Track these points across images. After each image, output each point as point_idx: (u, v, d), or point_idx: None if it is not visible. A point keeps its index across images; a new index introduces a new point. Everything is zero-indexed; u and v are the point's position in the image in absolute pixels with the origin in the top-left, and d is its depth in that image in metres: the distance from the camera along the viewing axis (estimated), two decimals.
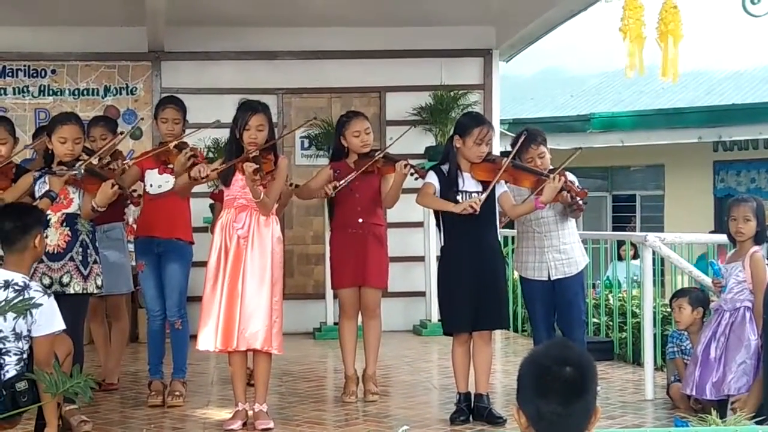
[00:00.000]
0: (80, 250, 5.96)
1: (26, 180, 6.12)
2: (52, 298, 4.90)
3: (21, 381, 4.72)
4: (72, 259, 5.89)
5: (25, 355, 4.80)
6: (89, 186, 6.01)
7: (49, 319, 4.83)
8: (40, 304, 4.77)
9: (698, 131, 14.61)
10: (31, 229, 5.07)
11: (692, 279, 7.27)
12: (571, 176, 6.46)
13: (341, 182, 6.55)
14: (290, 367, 7.95)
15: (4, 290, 4.79)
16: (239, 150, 5.99)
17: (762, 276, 5.95)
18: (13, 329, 4.74)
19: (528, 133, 6.59)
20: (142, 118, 9.92)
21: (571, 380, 2.60)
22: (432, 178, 6.23)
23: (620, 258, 10.63)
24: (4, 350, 4.78)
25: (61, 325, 4.90)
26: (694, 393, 6.16)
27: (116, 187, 5.93)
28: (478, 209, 5.91)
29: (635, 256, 10.35)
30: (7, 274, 4.86)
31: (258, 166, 5.76)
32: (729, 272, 6.17)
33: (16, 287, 4.80)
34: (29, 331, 4.78)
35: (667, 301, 7.24)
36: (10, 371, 4.75)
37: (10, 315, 4.70)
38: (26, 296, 4.76)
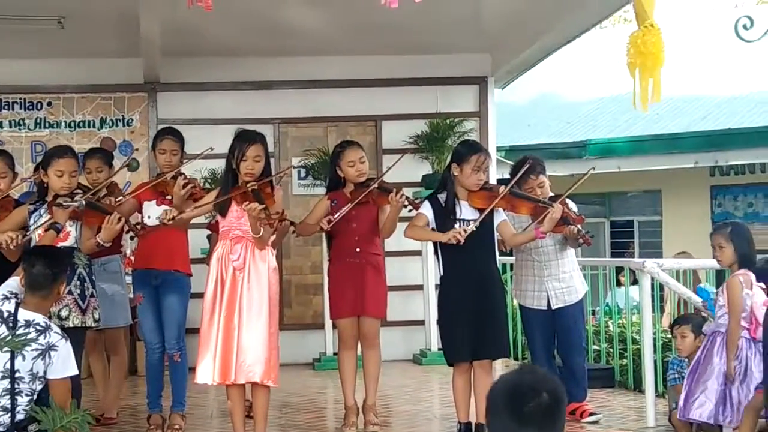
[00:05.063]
0: (78, 283, 5.94)
1: (21, 213, 6.09)
2: (69, 342, 4.89)
3: (33, 423, 4.68)
4: (70, 292, 5.86)
5: (35, 396, 4.77)
6: (89, 219, 5.99)
7: (64, 363, 4.83)
8: (56, 346, 4.75)
9: (695, 156, 14.61)
10: (60, 277, 5.09)
11: (692, 305, 7.24)
12: (572, 204, 6.44)
13: (336, 215, 6.52)
14: (290, 399, 7.90)
15: (25, 329, 4.77)
16: (235, 180, 5.96)
17: (736, 300, 5.93)
18: (30, 370, 4.72)
19: (529, 163, 6.57)
20: (137, 149, 9.90)
21: (547, 406, 2.63)
22: (426, 209, 6.19)
23: (619, 284, 10.62)
24: (17, 390, 4.73)
25: (74, 370, 4.91)
26: (678, 416, 6.16)
27: (122, 221, 5.91)
28: (462, 240, 5.87)
29: (634, 282, 10.30)
30: (29, 314, 4.85)
31: (265, 207, 5.70)
32: (717, 297, 6.20)
33: (38, 327, 4.79)
34: (45, 372, 4.76)
35: (666, 327, 7.21)
36: (21, 412, 4.72)
37: (29, 356, 4.70)
38: (47, 338, 4.76)
